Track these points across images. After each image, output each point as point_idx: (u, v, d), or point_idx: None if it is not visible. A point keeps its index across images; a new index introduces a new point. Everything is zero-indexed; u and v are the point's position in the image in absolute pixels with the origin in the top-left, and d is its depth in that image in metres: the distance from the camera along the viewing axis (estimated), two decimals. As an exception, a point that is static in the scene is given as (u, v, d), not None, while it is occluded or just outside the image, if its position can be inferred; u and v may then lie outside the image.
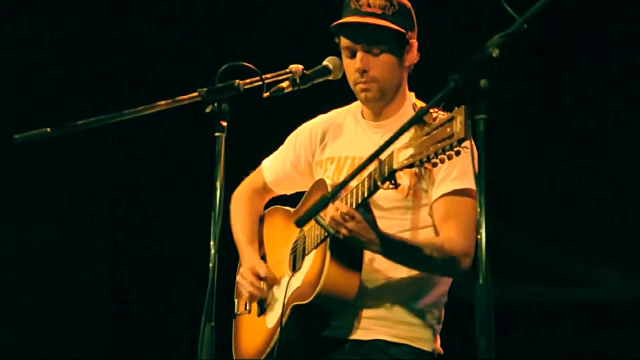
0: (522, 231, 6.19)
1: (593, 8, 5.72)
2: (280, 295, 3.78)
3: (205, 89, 3.36)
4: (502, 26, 2.67)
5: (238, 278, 3.91)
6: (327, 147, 3.89)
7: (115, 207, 6.88)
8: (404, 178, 3.59)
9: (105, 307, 6.97)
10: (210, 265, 3.21)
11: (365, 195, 3.42)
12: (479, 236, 2.63)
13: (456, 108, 3.04)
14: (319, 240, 3.61)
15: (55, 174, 6.64)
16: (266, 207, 4.14)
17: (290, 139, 4.02)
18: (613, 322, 6.09)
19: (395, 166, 3.29)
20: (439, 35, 3.95)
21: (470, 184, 3.59)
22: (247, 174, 4.14)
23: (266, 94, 3.54)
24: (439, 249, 3.54)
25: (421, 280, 3.66)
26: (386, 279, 3.65)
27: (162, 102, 3.38)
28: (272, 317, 3.81)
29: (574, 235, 6.12)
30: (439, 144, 3.11)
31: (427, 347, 3.67)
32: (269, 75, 3.53)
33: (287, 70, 3.62)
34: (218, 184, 3.28)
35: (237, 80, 3.39)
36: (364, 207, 3.42)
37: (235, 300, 4.03)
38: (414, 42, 3.75)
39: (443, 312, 3.74)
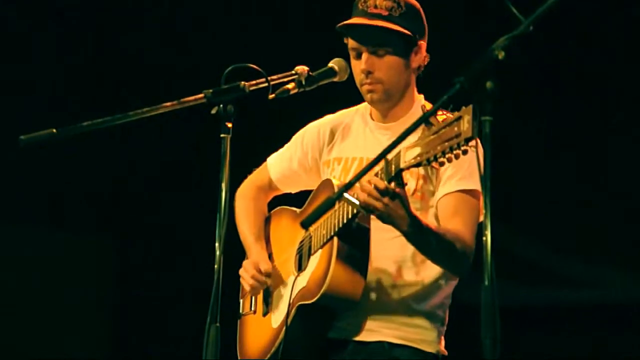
0: (525, 233, 6.18)
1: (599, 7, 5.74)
2: (285, 295, 3.78)
3: (210, 91, 3.36)
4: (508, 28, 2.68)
5: (241, 271, 3.90)
6: (335, 147, 3.89)
7: (120, 208, 6.88)
8: (411, 180, 3.59)
9: (110, 308, 6.97)
10: (216, 266, 3.22)
11: None
12: (484, 238, 2.63)
13: (464, 107, 3.04)
14: (325, 240, 3.61)
15: (60, 175, 6.64)
16: (270, 206, 4.14)
17: (298, 136, 4.01)
18: (617, 324, 6.08)
19: (402, 165, 3.29)
20: (449, 37, 3.94)
21: (475, 185, 3.59)
22: (251, 172, 4.14)
23: (272, 96, 3.54)
24: (456, 241, 3.53)
25: (426, 282, 3.66)
26: (391, 281, 3.65)
27: (168, 104, 3.38)
28: (277, 317, 3.81)
29: (578, 237, 6.12)
30: (446, 143, 3.11)
31: (431, 349, 3.67)
32: (274, 77, 3.53)
33: (293, 71, 3.62)
34: (223, 186, 3.28)
35: (242, 82, 3.39)
36: (397, 181, 3.36)
37: (240, 301, 4.03)
38: (422, 44, 3.75)
39: (447, 313, 3.74)
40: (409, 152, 3.26)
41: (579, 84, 6.04)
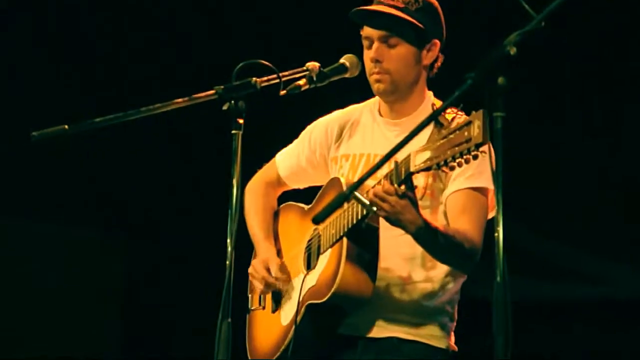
0: (534, 229, 6.18)
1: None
2: (294, 293, 3.78)
3: (222, 87, 3.36)
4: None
5: (250, 270, 3.91)
6: (343, 143, 3.89)
7: (131, 206, 6.89)
8: (419, 178, 3.59)
9: (120, 306, 6.98)
10: (227, 262, 3.22)
11: None
12: (496, 234, 2.63)
13: (474, 112, 3.04)
14: (334, 240, 3.61)
15: (71, 173, 6.65)
16: (279, 201, 4.14)
17: (306, 133, 4.01)
18: (625, 320, 6.08)
19: (412, 169, 3.29)
20: (461, 37, 3.94)
21: (485, 183, 3.60)
22: (261, 168, 4.15)
23: (283, 92, 3.54)
24: (461, 241, 3.54)
25: (435, 279, 3.67)
26: (401, 278, 3.65)
27: (179, 100, 3.38)
28: (287, 315, 3.81)
29: (586, 232, 6.12)
30: (456, 148, 3.11)
31: (441, 345, 3.67)
32: (286, 73, 3.53)
33: (304, 67, 3.62)
34: (234, 182, 3.28)
35: (254, 78, 3.39)
36: (407, 184, 3.38)
37: (249, 296, 4.03)
38: (437, 42, 3.74)
39: (456, 309, 3.74)
40: (419, 155, 3.26)
41: (590, 80, 6.03)
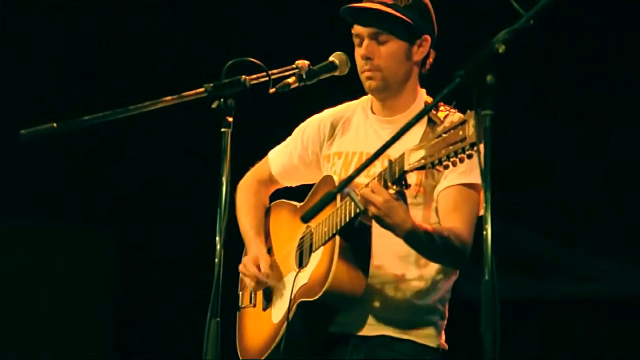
0: (526, 226, 6.18)
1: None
2: (286, 291, 3.78)
3: (211, 85, 3.35)
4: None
5: (241, 267, 3.91)
6: (336, 141, 3.89)
7: (123, 202, 6.88)
8: (412, 176, 3.58)
9: (112, 303, 6.97)
10: (216, 260, 3.21)
11: None
12: (484, 232, 2.63)
13: (469, 111, 3.04)
14: (326, 238, 3.61)
15: (61, 169, 6.65)
16: (271, 199, 4.14)
17: (298, 130, 4.01)
18: (618, 317, 6.09)
19: (406, 168, 3.29)
20: (451, 34, 3.93)
21: (476, 179, 3.59)
22: (253, 166, 4.14)
23: (272, 90, 3.54)
24: (450, 239, 3.54)
25: (427, 277, 3.67)
26: (392, 276, 3.65)
27: (168, 98, 3.38)
28: (278, 313, 3.81)
29: (579, 230, 6.12)
30: (450, 147, 3.12)
31: (432, 343, 3.67)
32: (275, 71, 3.53)
33: (294, 65, 3.62)
34: (224, 180, 3.27)
35: (243, 76, 3.39)
36: (400, 183, 3.37)
37: (240, 293, 4.03)
38: (427, 38, 3.74)
39: (447, 308, 3.74)
40: (413, 154, 3.26)
41: (582, 77, 6.03)
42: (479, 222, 3.57)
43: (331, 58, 3.73)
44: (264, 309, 3.90)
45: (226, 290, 3.24)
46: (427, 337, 3.67)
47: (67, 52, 6.63)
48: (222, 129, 3.32)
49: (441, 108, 3.30)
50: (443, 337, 3.71)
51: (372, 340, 3.64)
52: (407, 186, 3.36)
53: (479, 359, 2.57)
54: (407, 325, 3.65)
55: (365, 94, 3.84)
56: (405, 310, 3.64)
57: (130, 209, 6.85)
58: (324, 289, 3.54)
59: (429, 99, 3.77)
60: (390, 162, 3.33)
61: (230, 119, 3.32)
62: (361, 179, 3.45)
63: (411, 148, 3.27)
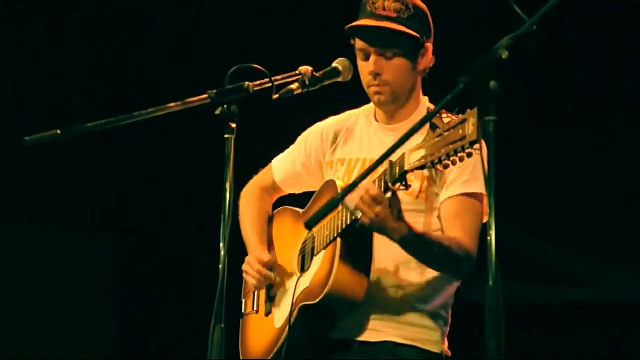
0: (528, 231, 6.18)
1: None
2: (288, 295, 3.78)
3: (214, 91, 3.36)
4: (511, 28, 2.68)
5: (244, 267, 3.91)
6: (339, 148, 3.89)
7: (123, 208, 6.89)
8: (415, 181, 3.58)
9: (111, 308, 6.97)
10: (220, 266, 3.21)
11: None
12: (488, 238, 2.63)
13: (469, 110, 3.04)
14: (328, 241, 3.61)
15: (62, 174, 6.65)
16: (274, 206, 4.15)
17: (301, 138, 4.02)
18: (619, 322, 6.08)
19: (406, 167, 3.29)
20: (453, 39, 3.94)
21: (479, 188, 3.60)
22: (257, 173, 4.15)
23: (276, 96, 3.54)
24: (453, 248, 3.54)
25: (430, 282, 3.67)
26: (395, 281, 3.65)
27: (172, 104, 3.38)
28: (280, 317, 3.81)
29: (580, 235, 6.12)
30: (450, 146, 3.12)
31: (435, 349, 3.67)
32: (278, 77, 3.53)
33: (297, 72, 3.62)
34: (227, 186, 3.28)
35: (246, 82, 3.39)
36: (393, 194, 3.38)
37: (243, 300, 4.03)
38: (429, 46, 3.75)
39: (450, 314, 3.74)
40: (413, 154, 3.26)
41: (583, 84, 6.03)
42: (483, 229, 3.58)
43: (334, 64, 3.73)
44: (267, 314, 3.91)
45: (230, 296, 3.24)
46: (431, 343, 3.66)
47: (71, 58, 6.63)
48: (226, 136, 3.32)
49: (443, 115, 3.30)
50: (446, 343, 3.70)
51: (375, 346, 3.63)
52: (408, 187, 3.36)
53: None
54: (410, 331, 3.64)
55: (368, 101, 3.84)
56: (408, 316, 3.64)
57: (134, 215, 6.85)
58: (324, 292, 3.54)
59: (432, 106, 3.77)
60: (390, 162, 3.34)
61: (234, 126, 3.33)
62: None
63: (411, 148, 3.27)
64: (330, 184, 3.75)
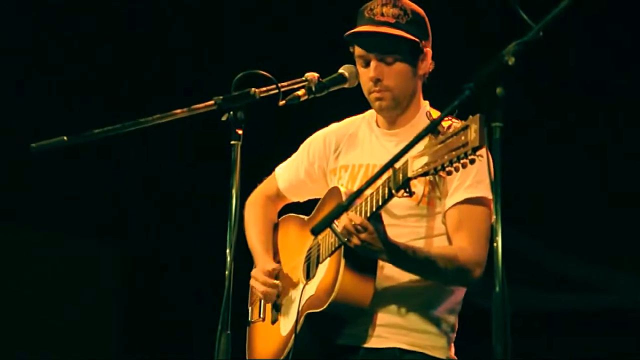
0: (536, 238, 6.18)
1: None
2: (294, 303, 3.78)
3: (221, 97, 3.36)
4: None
5: (251, 281, 3.92)
6: (342, 155, 3.89)
7: (131, 214, 6.89)
8: (418, 186, 3.59)
9: (117, 313, 6.98)
10: (226, 273, 3.22)
11: (380, 203, 3.42)
12: (495, 244, 2.62)
13: (471, 116, 3.04)
14: (333, 248, 3.61)
15: (70, 179, 6.67)
16: (279, 214, 4.15)
17: (304, 146, 4.02)
18: (625, 329, 6.07)
19: (409, 174, 3.29)
20: (454, 44, 3.94)
21: (483, 192, 3.59)
22: (261, 181, 4.15)
23: (282, 102, 3.54)
24: (451, 259, 3.54)
25: (436, 288, 3.66)
26: (401, 287, 3.64)
27: (178, 111, 3.38)
28: (286, 325, 3.81)
29: (589, 242, 6.11)
30: (453, 152, 3.11)
31: (441, 355, 3.66)
32: (284, 83, 3.53)
33: (303, 78, 3.62)
34: (234, 192, 3.28)
35: (253, 88, 3.39)
36: (375, 217, 3.43)
37: (249, 308, 4.03)
38: (428, 51, 3.75)
39: (457, 320, 3.74)
40: (416, 161, 3.26)
41: (586, 88, 6.03)
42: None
43: (340, 70, 3.73)
44: (273, 322, 3.90)
45: (235, 303, 3.24)
46: (437, 349, 3.65)
47: (75, 65, 6.64)
48: (232, 142, 3.32)
49: (445, 120, 3.30)
50: (453, 349, 3.70)
51: (382, 353, 3.63)
52: (411, 194, 3.36)
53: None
54: (417, 338, 3.63)
55: (370, 107, 3.84)
56: (414, 322, 3.64)
57: (139, 222, 6.86)
58: (330, 299, 3.54)
59: (432, 110, 3.77)
60: (394, 169, 3.34)
61: (240, 132, 3.33)
62: (367, 191, 3.45)
63: (414, 155, 3.27)
64: (334, 190, 3.75)
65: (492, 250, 2.64)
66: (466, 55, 4.78)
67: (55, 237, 6.78)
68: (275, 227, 4.11)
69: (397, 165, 3.31)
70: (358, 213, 3.46)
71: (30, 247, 6.74)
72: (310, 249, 3.80)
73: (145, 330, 6.91)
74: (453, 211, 3.62)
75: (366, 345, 3.64)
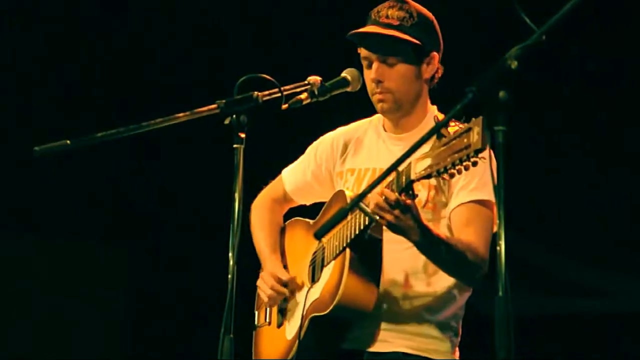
0: (540, 242, 6.17)
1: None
2: (299, 307, 3.78)
3: (224, 101, 3.36)
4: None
5: (258, 282, 3.92)
6: (348, 158, 3.89)
7: (135, 218, 6.90)
8: (422, 191, 3.58)
9: (121, 316, 6.99)
10: (229, 276, 3.21)
11: None
12: (498, 248, 2.62)
13: (474, 119, 3.04)
14: (337, 252, 3.61)
15: (77, 184, 6.67)
16: (285, 217, 4.14)
17: (311, 148, 4.02)
18: (629, 333, 6.07)
19: (412, 177, 3.29)
20: (461, 49, 3.94)
21: (488, 195, 3.59)
22: (267, 184, 4.15)
23: (285, 106, 3.54)
24: (466, 252, 3.53)
25: (438, 293, 3.66)
26: (405, 291, 3.64)
27: (181, 114, 3.38)
28: (291, 329, 3.81)
29: (594, 246, 6.10)
30: (456, 155, 3.12)
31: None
32: (287, 87, 3.53)
33: (306, 81, 3.62)
34: (236, 196, 3.27)
35: (255, 92, 3.39)
36: (408, 192, 3.37)
37: (256, 312, 4.03)
38: (435, 55, 3.75)
39: (461, 325, 3.73)
40: (419, 163, 3.26)
41: (591, 91, 6.03)
42: (493, 239, 3.57)
43: (343, 74, 3.73)
44: (278, 326, 3.90)
45: (239, 307, 3.24)
46: (440, 353, 3.65)
47: (78, 68, 6.65)
48: (235, 145, 3.32)
49: (451, 124, 3.30)
50: (457, 353, 3.70)
51: (386, 357, 3.63)
52: (415, 196, 3.36)
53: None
54: (421, 342, 3.63)
55: (376, 111, 3.84)
56: (417, 326, 3.64)
57: (144, 226, 6.86)
58: (334, 303, 3.54)
59: (440, 115, 3.77)
60: (397, 171, 3.33)
61: (243, 135, 3.32)
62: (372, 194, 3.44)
63: (417, 157, 3.27)
64: (340, 194, 3.74)
65: (494, 255, 2.64)
66: (473, 60, 4.78)
67: (58, 241, 6.78)
68: (282, 230, 4.11)
69: (401, 167, 3.31)
70: (362, 218, 3.45)
71: (33, 250, 6.75)
72: (315, 252, 3.80)
73: (149, 334, 6.92)
74: (461, 209, 3.61)
75: (370, 349, 3.64)
